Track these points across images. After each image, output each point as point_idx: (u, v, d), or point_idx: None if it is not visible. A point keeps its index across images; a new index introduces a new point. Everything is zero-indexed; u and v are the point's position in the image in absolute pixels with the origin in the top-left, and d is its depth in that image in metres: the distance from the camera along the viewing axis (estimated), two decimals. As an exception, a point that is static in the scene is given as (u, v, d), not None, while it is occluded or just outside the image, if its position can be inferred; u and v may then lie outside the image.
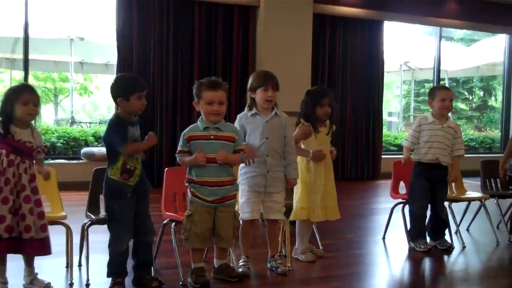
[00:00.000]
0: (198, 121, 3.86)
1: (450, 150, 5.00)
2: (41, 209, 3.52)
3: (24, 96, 3.48)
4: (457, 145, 5.02)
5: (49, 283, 3.63)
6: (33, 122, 3.59)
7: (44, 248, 3.52)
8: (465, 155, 5.19)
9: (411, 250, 5.05)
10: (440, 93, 5.03)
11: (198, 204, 3.78)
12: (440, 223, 5.14)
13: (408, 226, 5.17)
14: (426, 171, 4.99)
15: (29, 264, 3.63)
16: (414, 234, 5.07)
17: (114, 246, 3.65)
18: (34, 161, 3.55)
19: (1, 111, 3.51)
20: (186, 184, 3.84)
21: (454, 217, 5.38)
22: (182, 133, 3.85)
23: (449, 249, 5.05)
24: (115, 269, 3.67)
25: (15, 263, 3.62)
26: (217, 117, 3.81)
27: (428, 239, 5.12)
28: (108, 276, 3.67)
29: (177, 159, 3.84)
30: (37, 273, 3.67)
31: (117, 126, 3.60)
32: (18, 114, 3.48)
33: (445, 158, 4.97)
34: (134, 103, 3.60)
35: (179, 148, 3.83)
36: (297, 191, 4.48)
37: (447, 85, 15.42)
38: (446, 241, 5.13)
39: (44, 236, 3.51)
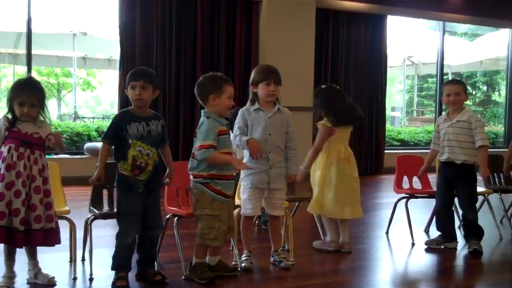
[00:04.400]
0: (213, 117, 3.80)
1: (467, 145, 4.74)
2: (49, 199, 3.54)
3: (22, 98, 3.46)
4: (476, 137, 4.70)
5: (53, 277, 3.65)
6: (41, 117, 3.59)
7: (49, 238, 3.53)
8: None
9: (414, 244, 5.05)
10: (445, 88, 4.92)
11: (222, 201, 3.80)
12: (467, 224, 4.92)
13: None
14: (444, 170, 4.92)
15: (33, 257, 3.65)
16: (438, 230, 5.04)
17: (119, 239, 3.66)
18: (44, 151, 3.57)
19: (8, 106, 3.54)
20: (207, 182, 3.77)
21: (457, 211, 5.37)
22: (210, 128, 3.75)
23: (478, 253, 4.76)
24: (119, 263, 3.67)
25: (18, 258, 3.62)
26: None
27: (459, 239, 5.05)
28: (112, 269, 3.68)
29: (207, 154, 3.70)
30: (40, 268, 3.68)
31: (115, 121, 3.68)
32: (16, 113, 3.50)
33: (458, 156, 4.76)
34: (129, 94, 3.67)
35: (211, 142, 3.71)
36: (315, 186, 4.62)
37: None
38: (476, 244, 4.78)
39: (49, 226, 3.51)
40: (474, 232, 4.88)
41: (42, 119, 3.58)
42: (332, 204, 4.60)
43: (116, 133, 3.61)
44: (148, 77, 3.69)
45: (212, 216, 3.74)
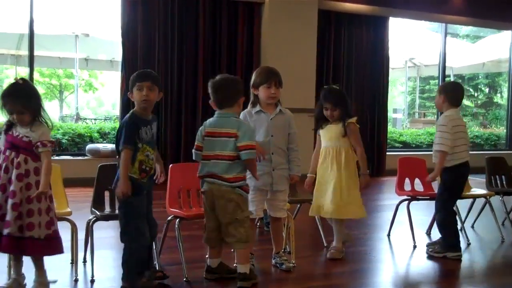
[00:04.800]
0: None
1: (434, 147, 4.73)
2: (31, 206, 3.36)
3: (7, 106, 3.40)
4: (435, 140, 4.74)
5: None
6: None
7: (23, 247, 3.36)
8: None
9: (415, 247, 5.05)
10: None
11: None
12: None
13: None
14: None
15: (37, 266, 3.57)
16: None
17: (140, 242, 3.56)
18: (33, 156, 3.42)
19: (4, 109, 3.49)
20: (245, 184, 3.77)
21: (459, 214, 5.36)
22: (252, 128, 3.84)
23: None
24: (142, 266, 3.61)
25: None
26: None
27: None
28: (136, 274, 3.57)
29: (253, 155, 3.70)
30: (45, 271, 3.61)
31: (132, 125, 3.54)
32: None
33: (433, 158, 4.76)
34: (135, 95, 3.59)
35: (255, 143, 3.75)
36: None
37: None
38: (434, 248, 4.84)
39: (28, 235, 3.34)
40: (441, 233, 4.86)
41: (40, 122, 3.46)
42: (353, 205, 4.57)
43: (135, 136, 3.52)
44: (155, 79, 3.65)
45: (248, 218, 3.76)
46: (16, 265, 3.54)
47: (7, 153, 3.40)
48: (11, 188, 3.36)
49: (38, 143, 3.41)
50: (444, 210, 4.77)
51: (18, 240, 3.34)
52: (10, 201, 3.34)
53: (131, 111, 3.66)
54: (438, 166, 4.63)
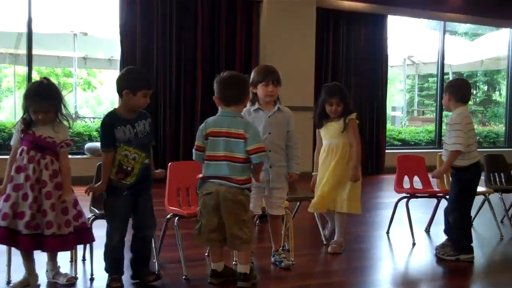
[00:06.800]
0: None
1: None
2: (65, 204, 3.46)
3: (34, 106, 3.42)
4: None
5: (72, 277, 3.68)
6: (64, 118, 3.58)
7: (65, 244, 3.47)
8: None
9: (414, 244, 5.05)
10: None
11: None
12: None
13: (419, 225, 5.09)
14: (477, 173, 4.67)
15: (52, 258, 3.66)
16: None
17: (105, 241, 3.64)
18: (56, 157, 3.47)
19: (23, 109, 3.50)
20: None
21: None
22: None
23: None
24: (107, 266, 3.65)
25: (36, 257, 3.62)
26: None
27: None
28: (106, 271, 3.66)
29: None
30: (59, 267, 3.72)
31: (106, 126, 3.57)
32: (32, 118, 3.47)
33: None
34: (139, 99, 3.57)
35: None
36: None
37: (450, 79, 15.30)
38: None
39: (68, 231, 3.45)
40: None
41: (59, 121, 3.52)
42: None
43: (113, 138, 3.53)
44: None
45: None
46: (29, 265, 3.54)
47: (32, 153, 3.42)
48: (46, 189, 3.41)
49: (63, 144, 3.49)
50: (461, 210, 4.62)
51: (59, 238, 3.42)
52: (47, 202, 3.40)
53: (113, 110, 3.67)
54: (447, 164, 4.56)
